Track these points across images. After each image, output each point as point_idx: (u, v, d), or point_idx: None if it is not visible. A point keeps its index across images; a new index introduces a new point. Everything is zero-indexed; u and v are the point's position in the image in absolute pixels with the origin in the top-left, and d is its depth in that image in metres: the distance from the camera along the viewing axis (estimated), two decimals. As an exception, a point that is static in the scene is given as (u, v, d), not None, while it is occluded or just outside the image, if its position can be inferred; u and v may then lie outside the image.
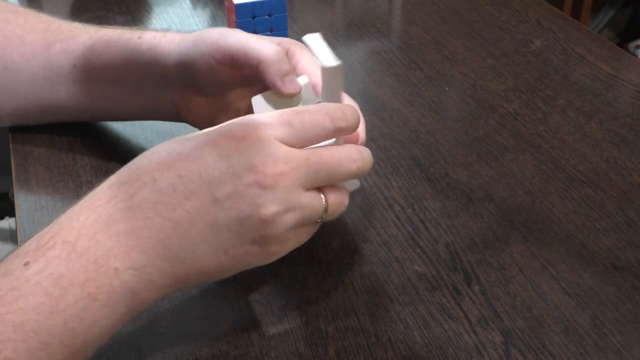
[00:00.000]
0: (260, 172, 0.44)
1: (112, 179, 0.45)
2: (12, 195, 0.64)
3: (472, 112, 0.73)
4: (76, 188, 0.63)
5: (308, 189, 0.46)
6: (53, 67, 0.65)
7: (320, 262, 0.56)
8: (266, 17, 0.80)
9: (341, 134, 0.48)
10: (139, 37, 0.62)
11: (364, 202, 0.61)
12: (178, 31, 0.62)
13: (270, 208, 0.44)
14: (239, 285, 0.54)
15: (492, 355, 0.48)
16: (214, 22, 0.91)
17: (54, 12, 0.93)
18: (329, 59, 0.50)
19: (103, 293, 0.42)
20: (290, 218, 0.45)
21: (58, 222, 0.44)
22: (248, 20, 0.80)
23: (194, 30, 0.88)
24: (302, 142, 0.46)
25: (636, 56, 1.85)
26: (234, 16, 0.80)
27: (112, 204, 0.43)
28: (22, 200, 0.62)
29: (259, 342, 0.49)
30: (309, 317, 0.51)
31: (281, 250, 0.47)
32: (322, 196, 0.47)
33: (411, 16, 0.93)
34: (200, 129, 0.62)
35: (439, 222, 0.60)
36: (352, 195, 0.62)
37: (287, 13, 0.81)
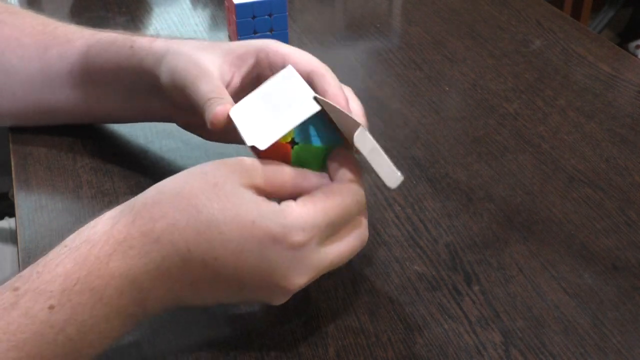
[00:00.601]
0: (291, 283, 0.45)
1: (149, 226, 0.43)
2: (12, 195, 0.64)
3: (472, 112, 0.73)
4: (76, 188, 0.63)
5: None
6: (50, 72, 0.65)
7: (320, 262, 0.56)
8: (266, 17, 0.80)
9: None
10: (131, 47, 0.61)
11: (364, 202, 0.61)
12: (169, 36, 0.61)
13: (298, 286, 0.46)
14: (239, 285, 0.53)
15: (492, 355, 0.48)
16: (214, 22, 0.91)
17: (54, 12, 0.93)
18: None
19: (116, 330, 0.44)
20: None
21: (86, 264, 0.42)
22: (248, 20, 0.80)
23: (194, 31, 0.88)
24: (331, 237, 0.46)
25: (636, 56, 1.85)
26: (234, 16, 0.80)
27: (144, 262, 0.43)
28: (22, 200, 0.62)
29: (259, 342, 0.49)
30: (309, 317, 0.51)
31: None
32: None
33: (411, 16, 0.93)
34: (193, 133, 0.62)
35: (439, 222, 0.60)
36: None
37: (287, 13, 0.81)
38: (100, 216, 0.45)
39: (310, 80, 0.52)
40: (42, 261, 0.43)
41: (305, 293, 0.53)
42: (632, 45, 2.21)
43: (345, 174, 0.48)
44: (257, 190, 0.45)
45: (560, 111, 0.73)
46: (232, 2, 0.80)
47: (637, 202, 0.61)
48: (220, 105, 0.50)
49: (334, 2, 0.97)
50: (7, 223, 0.90)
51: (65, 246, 0.43)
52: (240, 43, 0.57)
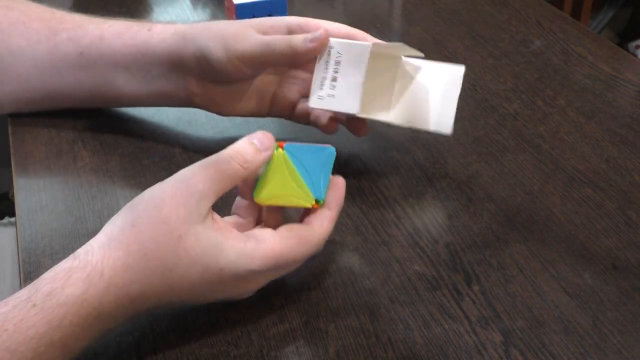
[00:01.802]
0: (252, 291, 0.50)
1: (124, 291, 0.44)
2: (12, 195, 0.64)
3: (472, 112, 0.73)
4: (76, 188, 0.63)
5: None
6: (59, 54, 0.66)
7: (321, 262, 0.56)
8: (266, 17, 0.80)
9: None
10: (149, 30, 0.63)
11: (364, 202, 0.61)
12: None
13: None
14: (239, 285, 0.54)
15: (492, 355, 0.48)
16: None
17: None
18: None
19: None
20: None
21: (60, 328, 0.42)
22: (248, 20, 0.80)
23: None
24: None
25: (636, 56, 1.85)
26: (234, 16, 0.80)
27: (117, 318, 0.45)
28: (22, 200, 0.62)
29: (259, 342, 0.49)
30: (309, 317, 0.51)
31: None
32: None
33: (411, 16, 0.93)
34: (215, 112, 0.65)
35: (439, 222, 0.60)
36: (352, 195, 0.62)
37: (287, 13, 0.81)
38: (65, 271, 0.43)
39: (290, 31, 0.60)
40: (8, 315, 0.41)
41: (305, 293, 0.53)
42: (632, 45, 2.21)
43: (322, 224, 0.50)
44: (214, 203, 0.47)
45: (560, 111, 0.73)
46: (232, 2, 0.80)
47: (637, 202, 0.61)
48: (318, 31, 0.58)
49: (334, 2, 0.97)
50: (7, 223, 0.90)
51: (34, 305, 0.42)
52: (270, 19, 0.61)
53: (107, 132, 0.70)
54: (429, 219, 0.60)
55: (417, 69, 0.62)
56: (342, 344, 0.49)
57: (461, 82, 0.61)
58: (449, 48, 0.84)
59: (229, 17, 0.83)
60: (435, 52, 0.84)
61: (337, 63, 0.58)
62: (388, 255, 0.56)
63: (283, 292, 0.53)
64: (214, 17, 0.92)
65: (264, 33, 0.60)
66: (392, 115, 0.62)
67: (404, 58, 0.62)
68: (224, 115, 0.65)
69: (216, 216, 0.47)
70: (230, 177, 0.47)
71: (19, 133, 0.70)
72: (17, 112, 0.70)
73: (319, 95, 0.59)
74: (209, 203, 0.46)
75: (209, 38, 0.60)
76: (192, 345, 0.49)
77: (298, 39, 0.58)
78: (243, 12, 0.79)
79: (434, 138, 0.69)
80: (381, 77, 0.61)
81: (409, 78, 0.62)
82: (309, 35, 0.58)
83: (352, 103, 0.58)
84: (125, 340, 0.49)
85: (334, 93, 0.58)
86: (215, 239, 0.46)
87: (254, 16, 0.80)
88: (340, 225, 0.59)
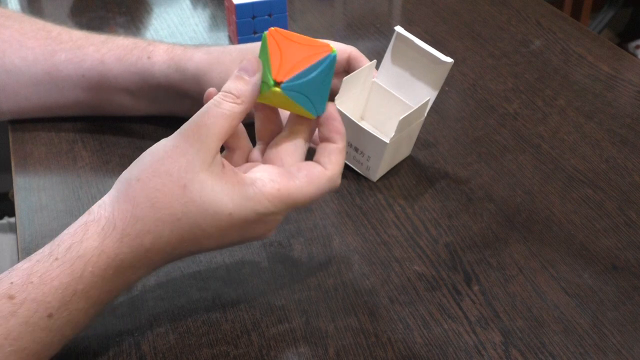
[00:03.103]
0: (265, 236, 0.49)
1: (137, 241, 0.45)
2: (12, 196, 0.64)
3: (472, 112, 0.73)
4: (76, 188, 0.63)
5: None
6: (60, 75, 0.66)
7: (320, 262, 0.56)
8: (266, 17, 0.80)
9: None
10: (148, 58, 0.64)
11: (364, 202, 0.62)
12: (177, 44, 0.64)
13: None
14: (239, 285, 0.54)
15: (492, 355, 0.48)
16: (214, 22, 0.91)
17: (54, 12, 0.93)
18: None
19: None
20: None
21: (82, 279, 0.44)
22: (248, 20, 0.80)
23: (194, 31, 0.88)
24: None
25: (636, 56, 1.85)
26: (234, 16, 0.80)
27: (136, 270, 0.46)
28: (22, 200, 0.62)
29: (259, 342, 0.49)
30: (309, 317, 0.51)
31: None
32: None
33: (411, 16, 0.93)
34: None
35: (439, 222, 0.60)
36: (352, 195, 0.62)
37: (287, 13, 0.81)
38: (82, 226, 0.45)
39: (348, 64, 0.65)
40: (33, 269, 0.44)
41: (305, 293, 0.53)
42: (632, 45, 2.21)
43: (331, 159, 0.49)
44: (217, 151, 0.47)
45: (560, 111, 0.73)
46: (232, 3, 0.80)
47: (637, 202, 0.61)
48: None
49: (334, 2, 0.97)
50: (6, 223, 0.90)
51: (57, 259, 0.44)
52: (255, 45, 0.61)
53: (107, 132, 0.70)
54: (429, 219, 0.60)
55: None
56: (342, 344, 0.49)
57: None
58: (449, 48, 0.84)
59: (229, 17, 0.83)
60: (435, 52, 0.84)
61: None
62: (388, 255, 0.56)
63: (283, 292, 0.53)
64: (214, 17, 0.92)
65: None
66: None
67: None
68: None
69: (225, 162, 0.47)
70: (227, 117, 0.47)
71: (19, 133, 0.70)
72: (13, 119, 0.71)
73: None
74: (211, 150, 0.46)
75: (210, 78, 0.61)
76: (192, 345, 0.49)
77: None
78: (243, 13, 0.79)
79: (434, 138, 0.69)
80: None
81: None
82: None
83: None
84: (125, 340, 0.49)
85: None
86: (221, 186, 0.46)
87: (254, 16, 0.80)
88: (340, 225, 0.59)
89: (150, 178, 0.46)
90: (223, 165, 0.46)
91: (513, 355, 0.48)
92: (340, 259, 0.56)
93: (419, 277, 0.54)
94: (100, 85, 0.66)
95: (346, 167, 0.65)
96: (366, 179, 0.64)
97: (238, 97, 0.47)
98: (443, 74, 0.62)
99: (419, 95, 0.63)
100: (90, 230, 0.45)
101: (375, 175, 0.63)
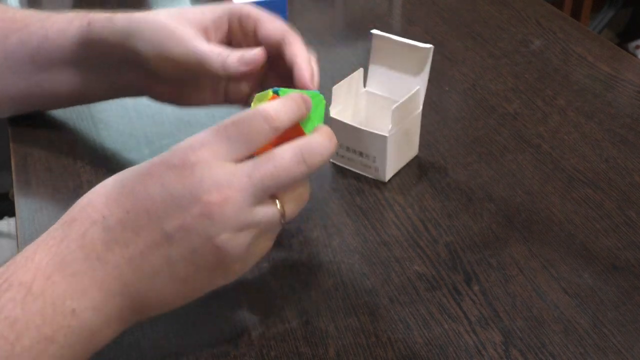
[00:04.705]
0: (205, 202, 0.42)
1: (65, 216, 0.44)
2: (12, 196, 0.64)
3: (472, 112, 0.73)
4: (76, 188, 0.63)
5: (259, 203, 0.44)
6: (14, 58, 0.64)
7: (320, 262, 0.56)
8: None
9: (279, 132, 0.46)
10: (89, 24, 0.61)
11: (364, 202, 0.62)
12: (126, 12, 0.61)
13: (222, 236, 0.43)
14: (239, 286, 0.53)
15: (492, 355, 0.48)
16: (214, 22, 0.91)
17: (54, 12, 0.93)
18: None
19: (61, 335, 0.41)
20: (245, 238, 0.44)
21: (14, 262, 0.42)
22: (248, 20, 0.80)
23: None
24: (244, 153, 0.45)
25: (636, 56, 1.85)
26: (234, 16, 0.80)
27: (65, 244, 0.43)
28: (22, 201, 0.62)
29: (259, 342, 0.49)
30: (309, 317, 0.51)
31: (245, 266, 0.46)
32: (277, 202, 0.45)
33: (411, 16, 0.93)
34: (166, 102, 0.62)
35: (439, 222, 0.60)
36: (352, 195, 0.62)
37: (287, 13, 0.81)
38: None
39: (281, 46, 0.54)
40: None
41: (305, 293, 0.53)
42: (632, 45, 2.21)
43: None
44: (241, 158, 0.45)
45: (560, 111, 0.73)
46: (232, 2, 0.79)
47: (637, 202, 0.61)
48: (253, 51, 0.53)
49: (334, 2, 0.97)
50: (6, 223, 0.90)
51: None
52: (209, 8, 0.57)
53: (107, 132, 0.70)
54: (429, 219, 0.60)
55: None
56: (342, 344, 0.49)
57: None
58: (449, 48, 0.84)
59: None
60: (435, 52, 0.83)
61: None
62: (388, 255, 0.56)
63: (283, 292, 0.53)
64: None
65: (206, 32, 0.57)
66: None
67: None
68: (181, 106, 0.63)
69: None
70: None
71: (19, 133, 0.70)
72: None
73: None
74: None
75: (140, 38, 0.57)
76: (192, 345, 0.49)
77: (232, 61, 0.53)
78: (243, 12, 0.79)
79: (434, 138, 0.69)
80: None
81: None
82: (245, 55, 0.54)
83: None
84: (125, 340, 0.49)
85: None
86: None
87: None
88: (340, 225, 0.59)
89: (119, 176, 0.45)
90: None
91: (513, 355, 0.48)
92: (340, 259, 0.56)
93: (419, 277, 0.54)
94: (49, 62, 0.64)
95: (353, 173, 0.65)
96: (366, 178, 0.64)
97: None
98: (427, 62, 0.63)
99: (411, 90, 0.63)
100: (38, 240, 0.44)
101: (385, 174, 0.63)
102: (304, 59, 0.53)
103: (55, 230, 0.44)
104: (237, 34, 0.57)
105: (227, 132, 0.44)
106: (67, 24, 0.63)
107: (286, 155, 0.45)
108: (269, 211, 0.45)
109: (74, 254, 0.43)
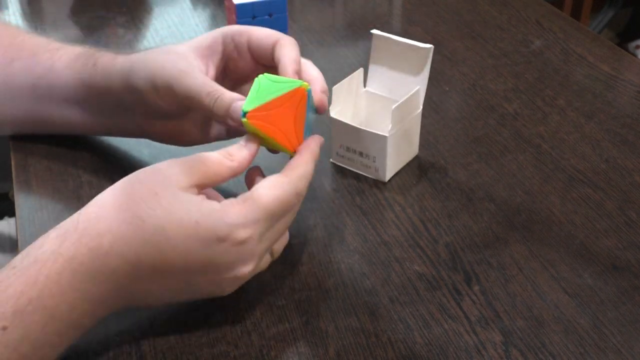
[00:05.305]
0: (238, 274, 0.47)
1: (96, 241, 0.44)
2: (12, 196, 0.64)
3: (472, 112, 0.73)
4: (76, 188, 0.63)
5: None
6: (14, 84, 0.64)
7: (320, 262, 0.56)
8: (266, 17, 0.80)
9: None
10: (94, 65, 0.61)
11: (364, 202, 0.62)
12: (130, 52, 0.61)
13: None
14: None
15: (492, 355, 0.48)
16: (214, 22, 0.91)
17: (54, 12, 0.93)
18: None
19: (68, 340, 0.45)
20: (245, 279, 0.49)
21: (37, 284, 0.42)
22: (248, 20, 0.80)
23: (194, 31, 0.88)
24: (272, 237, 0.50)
25: (636, 56, 1.85)
26: (234, 16, 0.80)
27: (94, 276, 0.44)
28: (22, 201, 0.62)
29: (259, 342, 0.49)
30: (309, 317, 0.51)
31: (232, 288, 0.50)
32: (271, 250, 0.51)
33: (411, 16, 0.93)
34: (167, 142, 0.62)
35: (439, 222, 0.60)
36: (352, 195, 0.62)
37: (287, 13, 0.81)
38: (46, 235, 0.45)
39: (273, 50, 0.55)
40: None
41: (305, 293, 0.53)
42: (632, 45, 2.21)
43: (291, 165, 0.50)
44: (198, 187, 0.47)
45: (560, 111, 0.73)
46: (232, 2, 0.80)
47: (637, 202, 0.61)
48: (238, 101, 0.51)
49: (334, 2, 0.97)
50: (7, 223, 0.90)
51: (14, 267, 0.43)
52: (205, 35, 0.58)
53: (107, 132, 0.70)
54: (429, 219, 0.60)
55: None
56: (342, 344, 0.49)
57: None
58: (449, 48, 0.84)
59: (229, 17, 0.83)
60: (435, 52, 0.84)
61: None
62: (388, 255, 0.56)
63: (283, 292, 0.53)
64: (214, 17, 0.92)
65: (202, 57, 0.56)
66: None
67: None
68: (184, 145, 0.62)
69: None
70: (220, 174, 0.49)
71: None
72: None
73: None
74: (193, 177, 0.47)
75: (137, 75, 0.57)
76: (192, 345, 0.49)
77: (236, 114, 0.51)
78: (243, 12, 0.79)
79: (434, 138, 0.69)
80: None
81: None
82: (225, 106, 0.52)
83: None
84: (125, 340, 0.49)
85: None
86: (192, 198, 0.46)
87: (254, 16, 0.80)
88: (340, 225, 0.59)
89: (124, 186, 0.46)
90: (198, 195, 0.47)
91: (513, 355, 0.48)
92: (340, 259, 0.56)
93: (419, 277, 0.54)
94: (50, 95, 0.63)
95: (353, 173, 0.65)
96: (366, 178, 0.64)
97: (231, 155, 0.49)
98: (426, 61, 0.63)
99: (411, 90, 0.63)
100: (51, 235, 0.44)
101: (385, 174, 0.63)
102: (290, 58, 0.54)
103: (82, 256, 0.44)
104: (232, 51, 0.57)
105: (273, 218, 0.48)
106: (74, 60, 0.62)
107: (289, 220, 0.51)
108: (267, 260, 0.51)
109: (99, 287, 0.45)
